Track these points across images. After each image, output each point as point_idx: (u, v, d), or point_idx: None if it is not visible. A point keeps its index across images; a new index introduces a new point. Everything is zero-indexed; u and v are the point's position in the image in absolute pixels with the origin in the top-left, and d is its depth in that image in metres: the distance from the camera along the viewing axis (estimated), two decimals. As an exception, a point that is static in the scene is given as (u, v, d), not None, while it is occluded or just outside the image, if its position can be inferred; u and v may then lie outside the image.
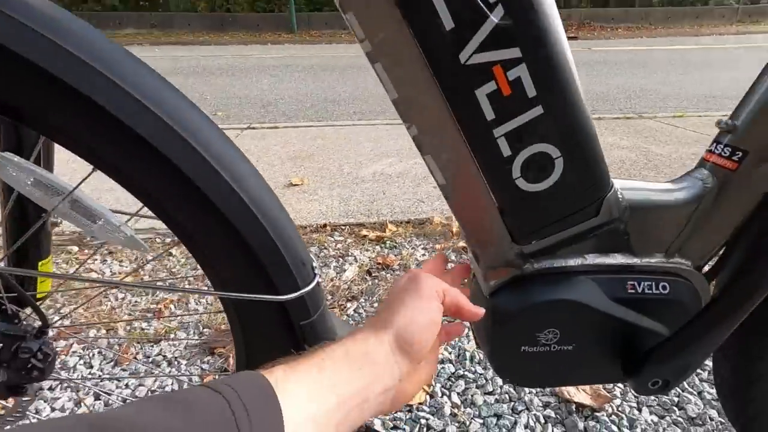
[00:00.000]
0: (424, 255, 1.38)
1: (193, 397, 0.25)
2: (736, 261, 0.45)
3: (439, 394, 0.86)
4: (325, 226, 1.57)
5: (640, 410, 0.81)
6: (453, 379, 0.89)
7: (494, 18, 0.31)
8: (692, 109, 3.22)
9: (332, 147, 2.46)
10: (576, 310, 0.43)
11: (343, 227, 1.56)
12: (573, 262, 0.44)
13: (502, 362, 0.47)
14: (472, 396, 0.85)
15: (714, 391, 0.85)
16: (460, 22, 0.32)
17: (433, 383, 0.88)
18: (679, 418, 0.80)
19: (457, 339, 1.00)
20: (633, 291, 0.44)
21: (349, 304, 1.14)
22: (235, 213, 0.42)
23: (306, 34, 10.55)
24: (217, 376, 0.91)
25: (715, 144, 0.43)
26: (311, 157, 2.29)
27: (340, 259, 1.36)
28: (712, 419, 0.79)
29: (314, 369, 0.31)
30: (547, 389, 0.86)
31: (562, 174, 0.38)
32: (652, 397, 0.84)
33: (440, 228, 1.53)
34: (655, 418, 0.80)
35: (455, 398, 0.85)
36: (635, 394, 0.84)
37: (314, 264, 0.53)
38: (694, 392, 0.85)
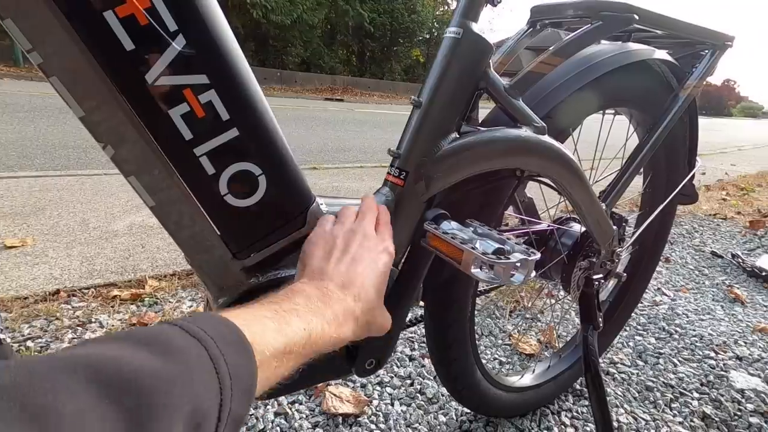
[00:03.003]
0: (191, 306, 1.27)
1: (176, 342, 0.24)
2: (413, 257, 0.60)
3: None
4: (57, 292, 1.28)
5: (393, 404, 0.94)
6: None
7: (177, 45, 0.35)
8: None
9: (73, 199, 2.05)
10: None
11: (86, 290, 1.30)
12: (294, 270, 0.50)
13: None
14: (242, 440, 0.81)
15: (445, 373, 1.06)
16: (141, 45, 0.33)
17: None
18: (422, 402, 0.95)
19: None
20: (347, 289, 0.52)
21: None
22: None
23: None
24: None
25: (390, 167, 0.57)
26: (40, 213, 1.85)
27: (79, 328, 1.12)
28: (443, 395, 0.98)
29: (266, 305, 0.33)
30: (316, 410, 0.90)
31: (266, 189, 0.43)
32: (402, 391, 0.98)
33: (210, 276, 1.44)
34: (405, 407, 0.93)
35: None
36: (391, 393, 0.97)
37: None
38: (430, 377, 1.03)
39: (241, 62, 0.39)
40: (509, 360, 1.14)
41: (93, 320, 1.16)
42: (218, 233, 0.43)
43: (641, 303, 1.48)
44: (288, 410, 0.88)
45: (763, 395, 1.05)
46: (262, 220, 0.44)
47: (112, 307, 1.23)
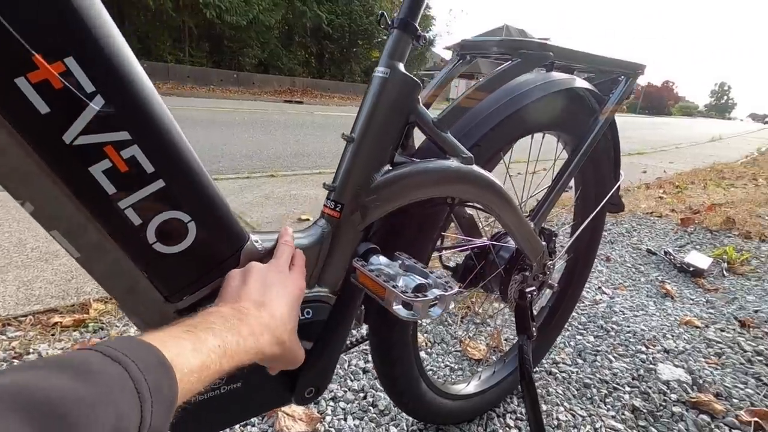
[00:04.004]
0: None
1: (95, 366, 0.25)
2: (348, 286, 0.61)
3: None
4: (-9, 321, 1.21)
5: (345, 419, 0.96)
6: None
7: (95, 106, 0.35)
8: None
9: (8, 218, 1.93)
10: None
11: (23, 318, 1.24)
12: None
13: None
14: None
15: (397, 383, 1.09)
16: (57, 109, 0.34)
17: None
18: (374, 415, 0.98)
19: None
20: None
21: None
22: None
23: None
24: None
25: (327, 199, 0.59)
26: (-30, 234, 1.73)
27: (16, 360, 1.07)
28: (394, 407, 1.01)
29: (183, 327, 0.35)
30: (269, 431, 0.90)
31: (197, 235, 0.44)
32: (355, 405, 1.00)
33: (161, 295, 1.41)
34: (358, 421, 0.96)
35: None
36: (345, 408, 0.99)
37: None
38: (382, 390, 1.06)
39: (163, 113, 0.40)
40: (459, 366, 1.19)
41: (31, 351, 1.10)
42: (148, 279, 0.44)
43: (582, 303, 1.58)
44: (240, 433, 0.89)
45: (685, 385, 1.15)
46: (193, 264, 0.45)
47: (52, 335, 1.18)
